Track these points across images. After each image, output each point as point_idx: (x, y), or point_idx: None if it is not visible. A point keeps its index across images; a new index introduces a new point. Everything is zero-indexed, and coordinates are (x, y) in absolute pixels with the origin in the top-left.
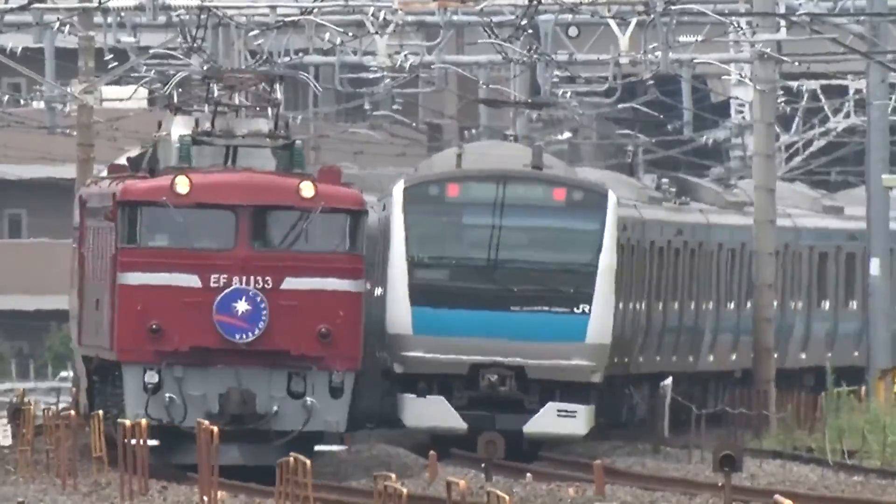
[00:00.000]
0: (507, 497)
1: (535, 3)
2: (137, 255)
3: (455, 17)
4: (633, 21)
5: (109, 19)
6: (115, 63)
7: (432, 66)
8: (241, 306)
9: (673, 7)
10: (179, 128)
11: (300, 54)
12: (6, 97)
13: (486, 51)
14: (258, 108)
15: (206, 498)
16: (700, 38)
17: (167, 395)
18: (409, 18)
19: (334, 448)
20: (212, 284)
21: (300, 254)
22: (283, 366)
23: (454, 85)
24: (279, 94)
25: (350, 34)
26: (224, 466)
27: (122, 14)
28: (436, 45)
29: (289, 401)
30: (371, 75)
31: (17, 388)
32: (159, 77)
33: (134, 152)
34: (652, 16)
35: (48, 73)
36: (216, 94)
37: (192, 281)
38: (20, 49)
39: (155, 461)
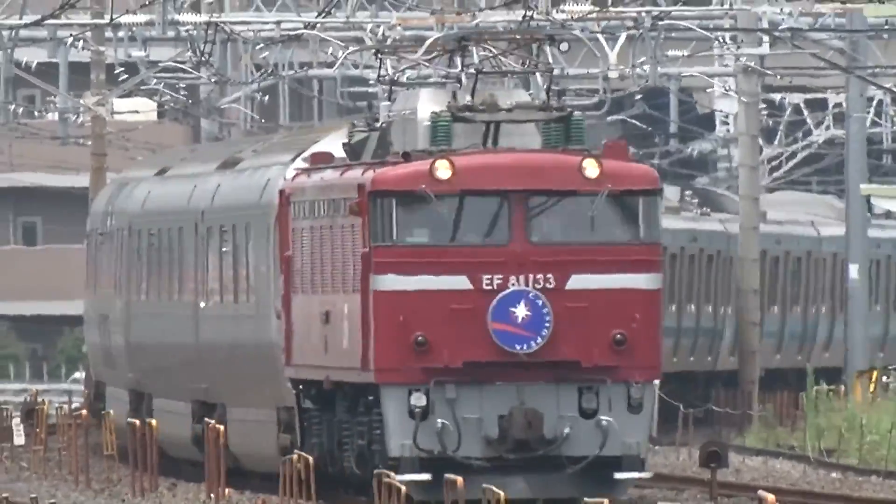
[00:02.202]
0: (501, 493)
1: (527, 18)
2: (394, 255)
3: (452, 32)
4: (623, 36)
5: (120, 34)
6: (126, 76)
7: (429, 80)
8: (521, 311)
9: (660, 23)
10: (428, 104)
11: (304, 68)
12: (21, 109)
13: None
14: (530, 73)
15: (213, 495)
16: (686, 52)
17: (438, 420)
18: (408, 33)
19: (636, 475)
20: (484, 287)
21: (587, 246)
22: (573, 379)
23: None
24: (550, 57)
25: (351, 48)
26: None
27: (133, 29)
28: (432, 59)
29: (580, 421)
30: (371, 89)
31: (31, 389)
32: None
33: (345, 137)
34: (640, 31)
35: (62, 85)
36: (476, 59)
37: (461, 283)
38: (35, 63)
39: (422, 497)
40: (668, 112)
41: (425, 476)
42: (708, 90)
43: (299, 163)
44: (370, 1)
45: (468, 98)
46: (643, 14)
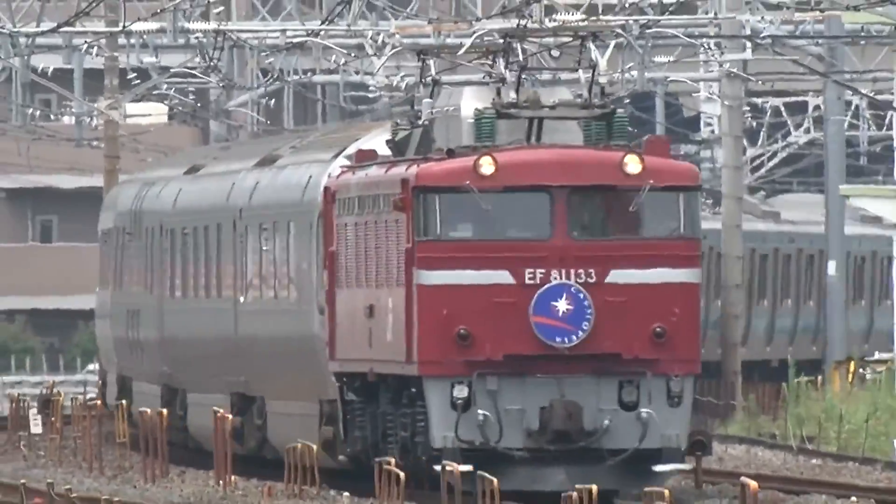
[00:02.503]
0: (494, 480)
1: (521, 25)
2: (438, 250)
3: (448, 40)
4: (612, 43)
5: (133, 41)
6: (138, 81)
7: (470, 79)
8: (562, 305)
9: (647, 31)
10: (472, 101)
11: (308, 73)
12: (38, 112)
13: (477, 71)
14: (574, 70)
15: (221, 482)
16: (672, 58)
17: (480, 412)
18: (406, 41)
19: (675, 467)
20: (527, 281)
21: (628, 241)
22: (613, 372)
23: None
24: (594, 54)
25: (353, 55)
26: (545, 494)
27: (145, 36)
28: (475, 59)
29: (621, 413)
30: (371, 94)
31: (48, 380)
32: None
33: (388, 134)
34: (629, 38)
35: (76, 90)
36: (520, 56)
37: (504, 277)
38: (51, 69)
39: (468, 488)
40: (654, 114)
41: (467, 467)
42: (693, 94)
43: (342, 160)
44: (370, 10)
45: (512, 95)
46: (631, 22)
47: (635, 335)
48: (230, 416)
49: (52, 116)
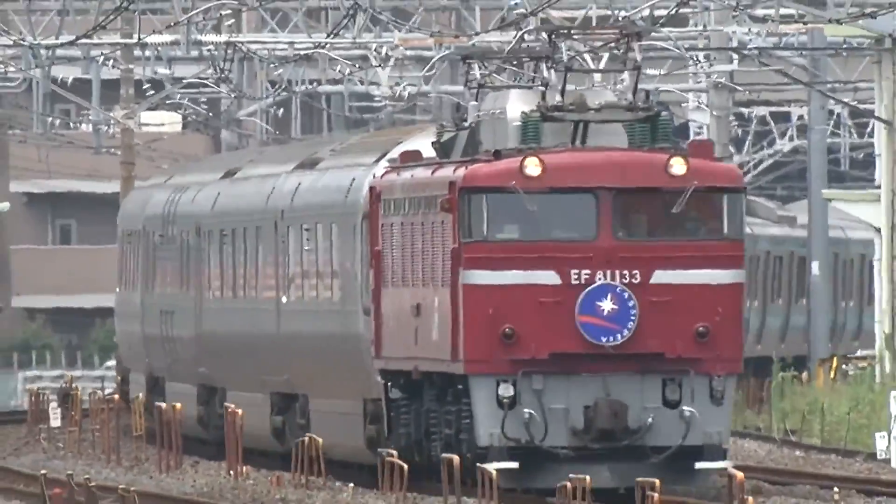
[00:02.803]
0: (493, 472)
1: (519, 37)
2: (484, 250)
3: (448, 51)
4: (605, 56)
5: (148, 53)
6: (153, 92)
7: (428, 95)
8: (607, 305)
9: (640, 44)
10: (518, 104)
11: (314, 84)
12: (58, 121)
13: (516, 74)
14: (619, 71)
15: (232, 472)
16: (664, 70)
17: (525, 410)
18: (408, 53)
19: (717, 465)
20: (572, 281)
21: (672, 242)
22: (657, 371)
23: (447, 111)
24: (638, 55)
25: (357, 66)
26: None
27: (159, 48)
28: (431, 77)
29: (664, 411)
30: (375, 104)
31: (66, 375)
32: None
33: (432, 137)
34: (622, 50)
35: (94, 100)
36: (565, 57)
37: (549, 278)
38: (70, 79)
39: (510, 485)
40: None
41: (513, 464)
42: (683, 104)
43: (385, 162)
44: (374, 23)
45: (557, 98)
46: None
47: (679, 335)
48: (240, 411)
49: (70, 125)
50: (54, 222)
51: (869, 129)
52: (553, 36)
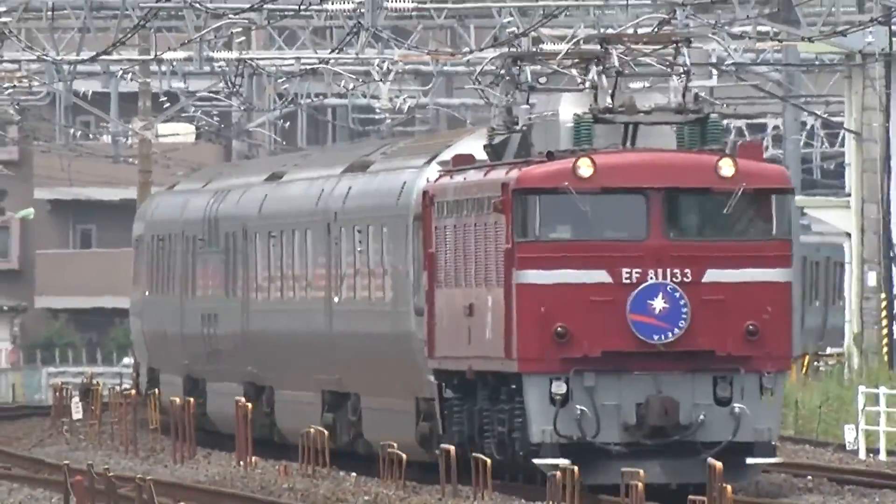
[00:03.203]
0: (488, 461)
1: (510, 54)
2: (537, 250)
3: (445, 67)
4: (592, 71)
5: (163, 68)
6: (168, 104)
7: (426, 108)
8: (658, 304)
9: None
10: (569, 106)
11: (320, 97)
12: (79, 132)
13: (471, 95)
14: (668, 76)
15: (241, 463)
16: (646, 84)
17: (578, 407)
18: (407, 68)
19: (767, 461)
20: (623, 280)
21: (722, 242)
22: (708, 369)
23: (444, 123)
24: (687, 59)
25: (360, 81)
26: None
27: (174, 64)
28: (429, 90)
29: (715, 408)
30: (377, 116)
31: (87, 371)
32: None
33: (483, 139)
34: (607, 66)
35: (113, 112)
36: (616, 62)
37: (601, 277)
38: (90, 93)
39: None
40: None
41: (564, 461)
42: None
43: (435, 165)
44: (376, 40)
45: (608, 100)
46: (610, 51)
47: (729, 333)
48: (249, 405)
49: (91, 136)
50: (75, 227)
51: (840, 140)
52: (605, 43)
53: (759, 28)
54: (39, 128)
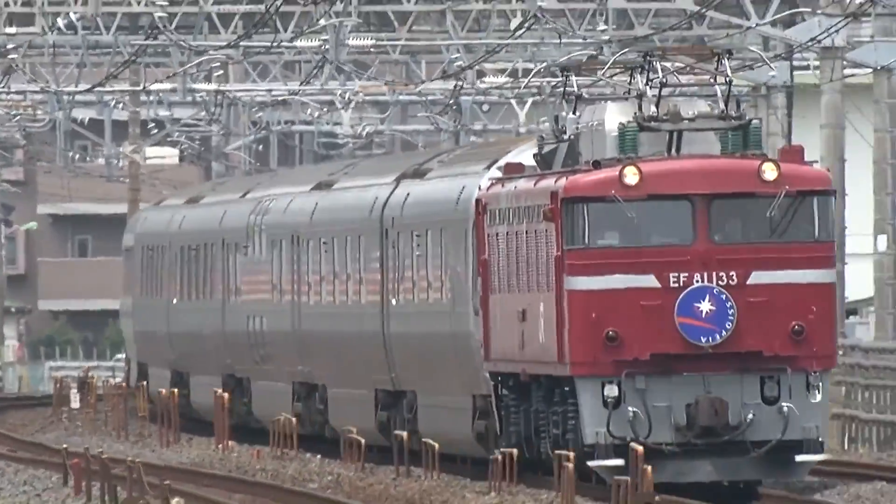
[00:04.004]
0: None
1: (458, 87)
2: (587, 257)
3: (400, 97)
4: (529, 101)
5: (151, 98)
6: (155, 130)
7: (384, 133)
8: (705, 306)
9: (558, 90)
10: (615, 115)
11: (289, 124)
12: (77, 155)
13: (423, 122)
14: (710, 84)
15: (220, 446)
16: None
17: (630, 409)
18: (367, 98)
19: (817, 457)
20: (671, 284)
21: (766, 244)
22: (755, 369)
23: (399, 147)
24: (728, 69)
25: (325, 109)
26: (692, 486)
27: (160, 94)
28: (386, 118)
29: (763, 407)
30: (339, 140)
31: (84, 366)
32: None
33: (534, 149)
34: (543, 97)
35: (107, 137)
36: (660, 74)
37: (649, 281)
38: (87, 120)
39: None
40: None
41: (619, 461)
42: None
43: (493, 171)
44: (339, 73)
45: (653, 109)
46: (545, 84)
47: (775, 333)
48: (226, 395)
49: (87, 158)
50: (73, 238)
51: None
52: (648, 56)
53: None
54: (42, 151)
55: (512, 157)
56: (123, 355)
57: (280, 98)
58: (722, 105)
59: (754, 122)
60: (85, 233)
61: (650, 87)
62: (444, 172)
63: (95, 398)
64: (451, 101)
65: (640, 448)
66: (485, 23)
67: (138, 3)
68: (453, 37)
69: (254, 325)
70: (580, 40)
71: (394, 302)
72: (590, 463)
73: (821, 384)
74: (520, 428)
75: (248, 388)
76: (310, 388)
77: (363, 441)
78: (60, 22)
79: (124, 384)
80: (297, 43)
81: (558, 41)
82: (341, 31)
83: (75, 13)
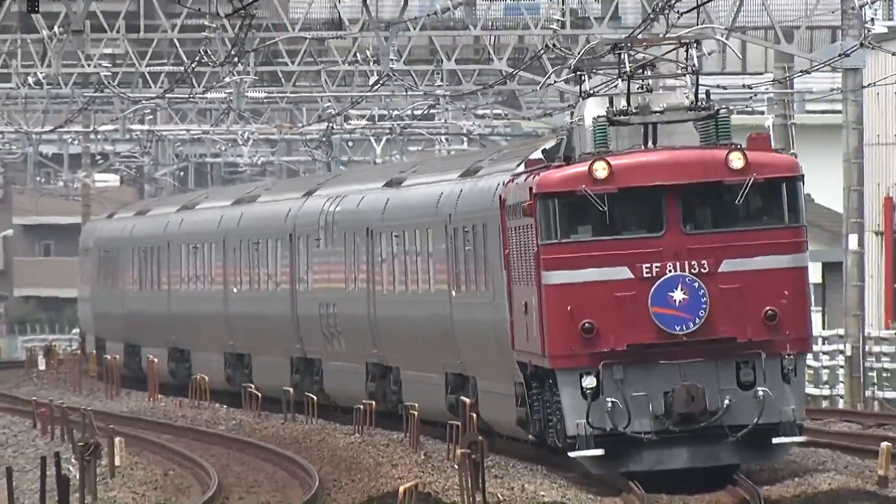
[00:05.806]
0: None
1: (330, 128)
2: (561, 251)
3: (286, 136)
4: (384, 139)
5: (99, 136)
6: (102, 161)
7: (274, 163)
8: (678, 295)
9: (405, 130)
10: (593, 110)
11: (203, 156)
12: (43, 179)
13: (304, 155)
14: (678, 77)
15: (151, 399)
16: (419, 148)
17: (608, 399)
18: (261, 137)
19: (793, 440)
20: (644, 275)
21: (736, 232)
22: (730, 355)
23: (286, 174)
24: (696, 61)
25: (229, 144)
26: (671, 472)
27: (106, 133)
28: (275, 151)
29: (739, 393)
30: (240, 169)
31: (48, 338)
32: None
33: (548, 144)
34: (393, 135)
35: (65, 166)
36: (628, 67)
37: (622, 273)
38: (50, 153)
39: (598, 469)
40: None
41: (598, 451)
42: None
43: (519, 169)
44: (241, 118)
45: (623, 103)
46: (395, 125)
47: (748, 319)
48: (156, 360)
49: (50, 182)
50: (40, 243)
51: None
52: (615, 49)
53: (495, 111)
54: (16, 176)
55: (534, 154)
56: (78, 330)
57: (196, 136)
58: (692, 96)
59: (722, 111)
60: (49, 239)
61: (621, 80)
62: (490, 170)
63: (57, 362)
64: (324, 139)
65: (467, 400)
66: (350, 80)
67: (89, 65)
68: (326, 90)
69: (327, 310)
70: (421, 93)
71: (454, 293)
72: (571, 454)
73: (795, 367)
74: (540, 415)
75: (320, 368)
76: (384, 369)
77: (259, 395)
78: (30, 79)
79: (79, 351)
80: (209, 95)
81: (405, 94)
82: (242, 86)
83: (41, 72)
